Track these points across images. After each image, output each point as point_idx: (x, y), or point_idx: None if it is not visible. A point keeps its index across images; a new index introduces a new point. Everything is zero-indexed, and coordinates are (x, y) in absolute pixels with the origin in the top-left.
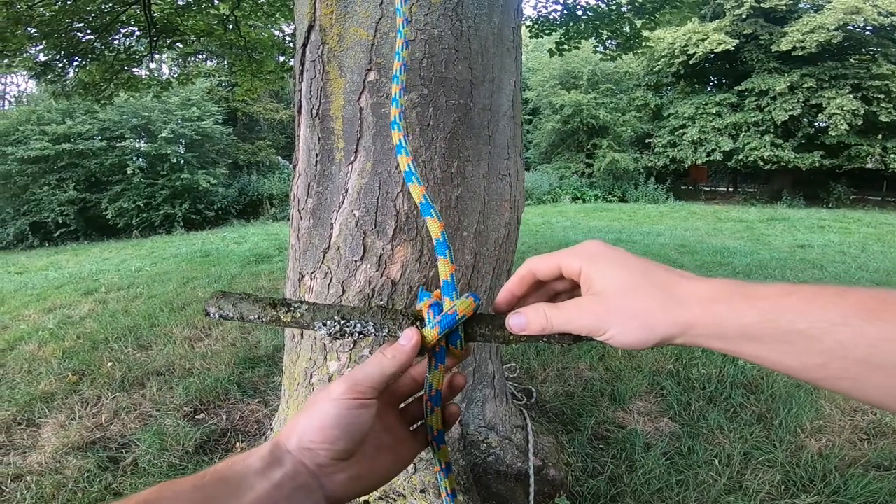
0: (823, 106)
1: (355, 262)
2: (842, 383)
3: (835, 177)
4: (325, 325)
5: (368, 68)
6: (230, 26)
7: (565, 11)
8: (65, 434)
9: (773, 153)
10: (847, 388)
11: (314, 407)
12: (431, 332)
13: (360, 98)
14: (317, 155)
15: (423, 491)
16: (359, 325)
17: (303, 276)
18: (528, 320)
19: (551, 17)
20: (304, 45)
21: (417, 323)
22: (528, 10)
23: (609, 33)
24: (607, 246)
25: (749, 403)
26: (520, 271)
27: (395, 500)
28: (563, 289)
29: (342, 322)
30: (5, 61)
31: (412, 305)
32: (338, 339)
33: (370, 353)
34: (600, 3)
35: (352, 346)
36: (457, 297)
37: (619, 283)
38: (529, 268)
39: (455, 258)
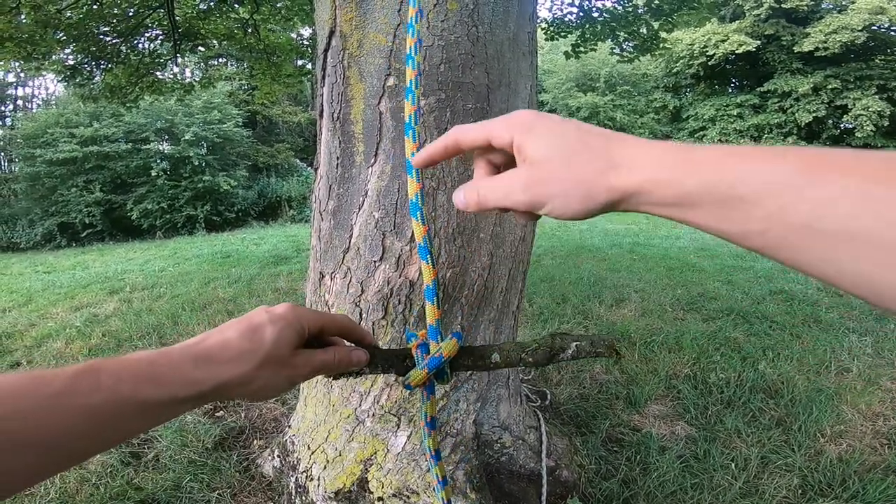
0: (849, 107)
1: (374, 262)
2: (782, 253)
3: None
4: None
5: (388, 73)
6: (250, 30)
7: (581, 13)
8: None
9: None
10: (788, 258)
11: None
12: (421, 373)
13: (379, 102)
14: (338, 158)
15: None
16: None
17: (323, 276)
18: (465, 198)
19: (567, 19)
20: (326, 51)
21: (408, 361)
22: (543, 13)
23: (626, 35)
24: (538, 114)
25: (768, 408)
26: (444, 139)
27: (408, 496)
28: (501, 162)
29: None
30: (34, 64)
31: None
32: (337, 378)
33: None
34: (616, 5)
35: None
36: (441, 339)
37: (555, 152)
38: (455, 137)
39: (472, 259)
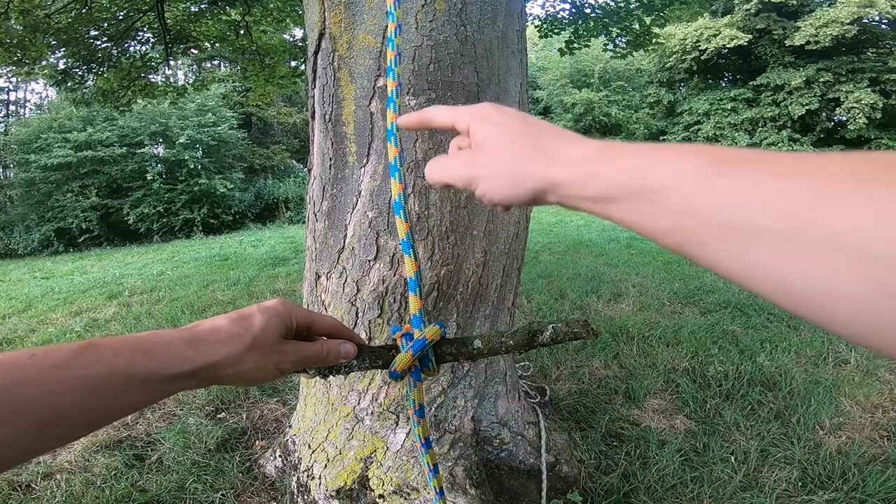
0: (841, 100)
1: (369, 261)
2: (696, 249)
3: None
4: (307, 370)
5: (378, 74)
6: (242, 32)
7: (573, 10)
8: (93, 433)
9: (791, 148)
10: (701, 255)
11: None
12: (406, 356)
13: (370, 103)
14: (330, 159)
15: None
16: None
17: (319, 276)
18: (425, 173)
19: (559, 16)
20: (316, 53)
21: (394, 352)
22: (536, 10)
23: (619, 31)
24: (498, 108)
25: (767, 400)
26: (419, 115)
27: (408, 493)
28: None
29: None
30: (25, 69)
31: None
32: (326, 376)
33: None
34: (608, 1)
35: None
36: (425, 327)
37: (496, 137)
38: (430, 115)
39: (466, 256)
